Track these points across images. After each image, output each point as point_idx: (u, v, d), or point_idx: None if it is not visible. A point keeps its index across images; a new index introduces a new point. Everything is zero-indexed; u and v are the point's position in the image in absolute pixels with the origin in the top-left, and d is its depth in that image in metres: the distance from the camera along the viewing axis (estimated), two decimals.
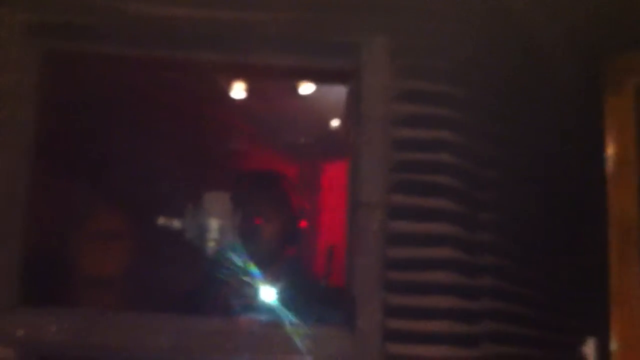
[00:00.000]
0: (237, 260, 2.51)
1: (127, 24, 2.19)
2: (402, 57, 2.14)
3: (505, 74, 2.26)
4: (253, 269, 2.56)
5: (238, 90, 3.03)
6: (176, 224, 2.48)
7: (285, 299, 2.52)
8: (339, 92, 2.51)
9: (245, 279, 2.51)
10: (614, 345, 2.47)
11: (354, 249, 2.12)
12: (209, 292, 2.53)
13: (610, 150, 2.53)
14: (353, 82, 2.19)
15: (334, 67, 2.23)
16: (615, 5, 2.30)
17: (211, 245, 2.48)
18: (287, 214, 2.81)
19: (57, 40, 2.24)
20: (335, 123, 3.36)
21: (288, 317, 2.13)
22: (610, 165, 2.54)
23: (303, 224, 2.87)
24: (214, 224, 2.48)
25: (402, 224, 2.09)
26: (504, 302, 2.24)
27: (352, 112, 2.20)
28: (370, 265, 2.09)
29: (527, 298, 2.38)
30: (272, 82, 2.72)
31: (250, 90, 3.02)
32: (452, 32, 2.12)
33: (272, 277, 2.60)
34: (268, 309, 2.47)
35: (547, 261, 2.47)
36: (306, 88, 3.05)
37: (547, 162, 2.46)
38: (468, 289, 2.13)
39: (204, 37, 2.21)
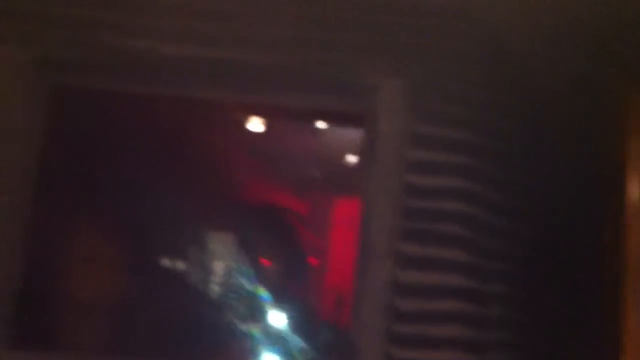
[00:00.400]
0: (242, 303, 2.45)
1: (137, 62, 2.15)
2: (418, 101, 2.08)
3: (518, 119, 2.19)
4: (258, 311, 2.49)
5: (255, 124, 2.99)
6: (180, 266, 2.42)
7: (291, 338, 2.45)
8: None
9: (251, 321, 2.44)
10: None
11: (361, 299, 2.05)
12: (213, 335, 2.46)
13: (632, 195, 2.43)
14: (368, 125, 2.13)
15: (349, 109, 2.19)
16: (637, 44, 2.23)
17: (215, 288, 2.42)
18: (293, 250, 2.73)
19: (65, 77, 2.21)
20: (350, 158, 3.30)
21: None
22: (630, 210, 2.44)
23: (312, 260, 2.79)
24: (218, 267, 2.42)
25: (412, 274, 2.02)
26: (513, 356, 2.16)
27: (366, 154, 2.13)
28: (376, 317, 2.02)
29: (541, 350, 2.29)
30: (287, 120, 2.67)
31: (266, 124, 2.98)
32: (465, 75, 2.06)
33: (278, 317, 2.52)
34: (274, 350, 2.41)
35: (561, 309, 2.38)
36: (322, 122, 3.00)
37: (562, 207, 2.38)
38: (478, 343, 2.05)
39: (217, 76, 2.17)
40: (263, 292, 2.47)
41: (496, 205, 2.13)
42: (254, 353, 2.43)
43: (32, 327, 2.15)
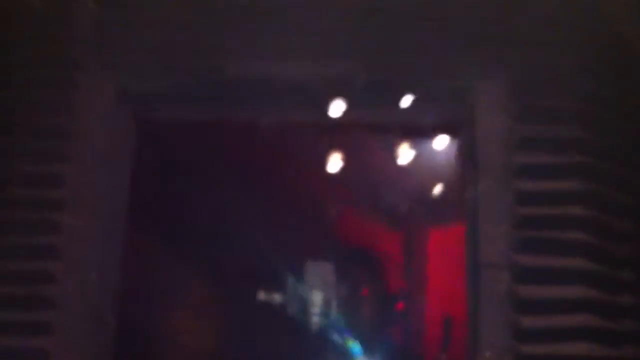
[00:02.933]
0: (341, 334, 2.31)
1: (220, 87, 2.06)
2: (521, 98, 1.92)
3: (632, 113, 2.01)
4: (357, 344, 2.35)
5: (335, 161, 2.91)
6: (277, 298, 2.30)
7: None
8: (439, 156, 2.32)
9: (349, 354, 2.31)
10: None
11: (478, 318, 1.88)
12: None
13: None
14: (465, 131, 1.98)
15: (444, 118, 2.04)
16: None
17: (315, 319, 2.29)
18: (381, 294, 2.60)
19: (152, 108, 2.14)
20: (439, 188, 3.18)
21: None
22: None
23: (400, 305, 2.65)
24: (317, 297, 2.29)
25: (533, 288, 1.85)
26: None
27: (466, 165, 1.99)
28: (497, 335, 1.85)
29: None
30: (372, 143, 2.55)
31: (347, 161, 2.88)
32: (572, 65, 1.90)
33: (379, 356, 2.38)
34: None
35: None
36: (405, 156, 2.90)
37: None
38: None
39: (300, 94, 2.06)
40: (353, 344, 2.34)
41: (618, 207, 1.94)
42: None
43: None
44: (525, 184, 1.90)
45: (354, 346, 2.37)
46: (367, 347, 2.37)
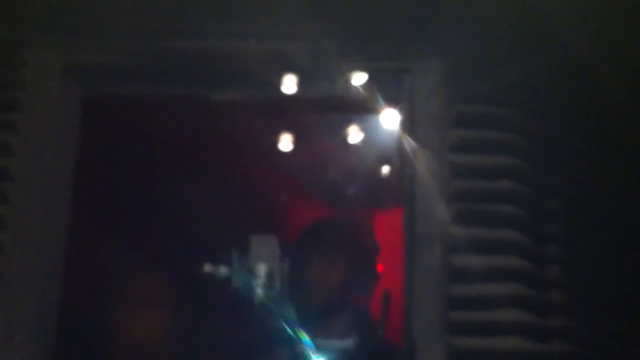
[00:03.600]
0: (287, 309, 2.37)
1: (164, 61, 2.11)
2: (456, 80, 2.01)
3: (562, 102, 2.10)
4: (303, 319, 2.40)
5: (285, 142, 2.95)
6: (223, 271, 2.35)
7: (338, 348, 2.36)
8: (388, 139, 2.38)
9: (295, 329, 2.36)
10: None
11: (413, 288, 1.96)
12: (258, 345, 2.38)
13: None
14: (405, 110, 2.06)
15: (382, 97, 2.11)
16: None
17: (259, 293, 2.34)
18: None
19: (96, 82, 2.18)
20: (385, 172, 3.24)
21: None
22: None
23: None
24: (262, 270, 2.34)
25: (465, 258, 1.93)
26: (577, 344, 2.04)
27: (405, 142, 2.06)
28: (431, 305, 1.93)
29: (599, 338, 2.18)
30: (316, 122, 2.60)
31: (297, 142, 2.93)
32: (503, 53, 1.99)
33: (323, 327, 2.44)
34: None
35: (619, 297, 2.28)
36: (355, 136, 2.95)
37: (615, 190, 2.28)
38: (538, 328, 1.96)
39: (238, 71, 2.11)
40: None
41: (547, 186, 2.04)
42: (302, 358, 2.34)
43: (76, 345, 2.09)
44: (460, 158, 1.98)
45: (295, 316, 2.40)
46: (310, 320, 2.42)
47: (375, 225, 3.21)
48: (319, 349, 2.36)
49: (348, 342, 2.44)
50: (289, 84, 2.16)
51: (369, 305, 2.58)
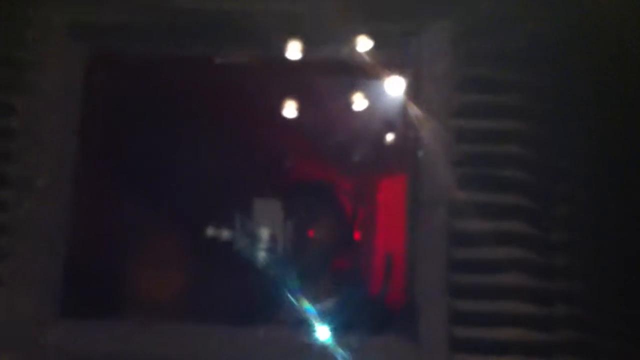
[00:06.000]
0: (288, 271, 2.37)
1: (169, 21, 2.10)
2: (463, 43, 1.99)
3: (576, 63, 2.08)
4: (304, 280, 2.41)
5: (289, 106, 2.94)
6: (225, 234, 2.35)
7: (340, 311, 2.37)
8: (393, 106, 2.37)
9: (296, 291, 2.37)
10: None
11: (415, 252, 1.97)
12: (260, 304, 2.39)
13: None
14: (411, 72, 2.05)
15: (390, 58, 2.10)
16: None
17: (261, 255, 2.34)
18: (339, 223, 2.66)
19: (100, 41, 2.16)
20: (390, 137, 3.23)
21: (342, 329, 2.01)
22: None
23: (357, 235, 2.72)
24: (264, 233, 2.35)
25: (468, 222, 1.93)
26: (581, 308, 2.04)
27: (411, 105, 2.06)
28: (433, 268, 1.94)
29: (604, 305, 2.18)
30: (321, 85, 2.59)
31: (301, 108, 2.92)
32: (513, 13, 1.97)
33: (324, 289, 2.45)
34: (320, 322, 2.32)
35: (624, 261, 2.27)
36: (359, 100, 2.94)
37: (627, 152, 2.25)
38: (541, 293, 1.96)
39: (242, 32, 2.10)
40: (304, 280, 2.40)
41: (556, 146, 2.02)
42: (303, 322, 2.35)
43: (81, 297, 2.10)
44: (466, 122, 1.97)
45: (304, 280, 2.41)
46: (314, 283, 2.43)
47: (379, 190, 3.21)
48: (317, 312, 2.37)
49: (332, 304, 2.46)
50: (293, 47, 2.15)
51: (356, 267, 2.61)
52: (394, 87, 2.17)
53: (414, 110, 2.02)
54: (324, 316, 2.35)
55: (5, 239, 1.96)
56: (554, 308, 1.97)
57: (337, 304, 2.45)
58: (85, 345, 1.93)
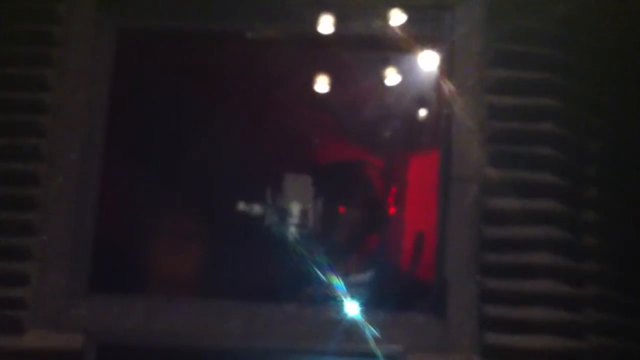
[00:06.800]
0: (318, 247, 2.37)
1: None
2: (498, 18, 1.96)
3: (610, 39, 2.04)
4: (334, 257, 2.41)
5: (321, 84, 2.92)
6: (256, 209, 2.35)
7: (369, 287, 2.37)
8: (425, 82, 2.35)
9: (326, 267, 2.36)
10: None
11: (446, 229, 1.95)
12: (289, 280, 2.39)
13: None
14: (445, 49, 2.03)
15: (423, 35, 2.07)
16: None
17: (292, 231, 2.34)
18: (371, 200, 2.65)
19: (131, 16, 2.17)
20: (422, 114, 3.21)
21: (371, 306, 2.00)
22: None
23: (391, 210, 2.71)
24: (295, 209, 2.35)
25: (499, 200, 1.91)
26: (611, 289, 2.02)
27: (444, 81, 2.03)
28: (464, 246, 1.92)
29: (634, 286, 2.15)
30: (353, 61, 2.57)
31: (333, 84, 2.90)
32: None
33: (355, 266, 2.44)
34: (350, 298, 2.32)
35: None
36: (392, 79, 2.92)
37: None
38: (571, 272, 1.94)
39: (278, 6, 2.08)
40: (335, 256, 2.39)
41: (589, 126, 2.00)
42: (332, 298, 2.35)
43: (110, 272, 2.12)
44: (499, 99, 1.95)
45: (334, 257, 2.41)
46: (343, 259, 2.43)
47: (411, 167, 3.19)
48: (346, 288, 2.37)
49: (361, 281, 2.45)
50: (326, 22, 2.14)
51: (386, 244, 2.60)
52: (427, 62, 2.15)
53: (447, 86, 1.99)
54: (353, 292, 2.35)
55: (37, 214, 1.97)
56: (585, 288, 1.95)
57: (366, 280, 2.45)
58: (112, 319, 1.95)
